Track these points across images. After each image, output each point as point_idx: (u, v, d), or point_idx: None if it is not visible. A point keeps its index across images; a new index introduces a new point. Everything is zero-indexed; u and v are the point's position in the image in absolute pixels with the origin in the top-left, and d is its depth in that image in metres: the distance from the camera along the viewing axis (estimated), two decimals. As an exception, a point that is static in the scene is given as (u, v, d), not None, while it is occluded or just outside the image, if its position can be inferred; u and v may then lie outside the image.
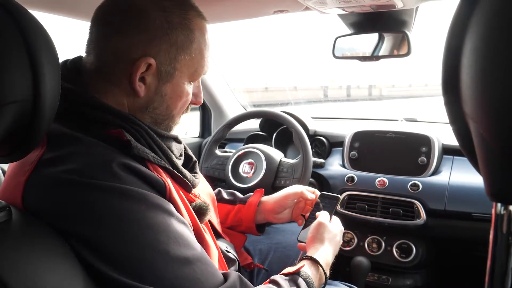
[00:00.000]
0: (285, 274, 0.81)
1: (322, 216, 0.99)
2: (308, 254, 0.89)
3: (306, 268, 0.84)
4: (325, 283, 0.87)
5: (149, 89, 0.75)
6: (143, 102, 0.75)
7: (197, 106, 2.18)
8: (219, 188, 1.21)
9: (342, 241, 1.00)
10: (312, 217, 1.05)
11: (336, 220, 1.02)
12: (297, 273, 0.81)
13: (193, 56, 0.76)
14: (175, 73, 0.75)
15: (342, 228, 1.02)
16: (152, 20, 0.71)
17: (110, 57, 0.73)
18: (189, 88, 0.80)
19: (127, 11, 0.72)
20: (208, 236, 0.81)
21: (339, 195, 1.10)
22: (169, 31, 0.72)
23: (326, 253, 0.90)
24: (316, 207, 1.08)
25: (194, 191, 0.84)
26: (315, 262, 0.86)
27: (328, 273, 0.88)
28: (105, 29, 0.74)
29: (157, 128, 0.78)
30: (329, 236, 0.94)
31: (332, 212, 1.04)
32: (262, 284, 0.78)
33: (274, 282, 0.77)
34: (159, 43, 0.72)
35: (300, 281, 0.79)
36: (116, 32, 0.72)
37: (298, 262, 0.87)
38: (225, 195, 1.18)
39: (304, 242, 0.99)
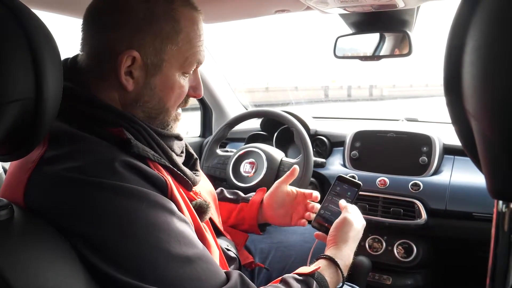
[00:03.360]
0: (299, 274, 0.78)
1: (349, 211, 0.94)
2: (328, 253, 0.86)
3: (323, 269, 0.81)
4: (342, 286, 0.84)
5: (138, 83, 0.74)
6: (134, 96, 0.74)
7: (199, 105, 2.21)
8: (222, 188, 1.21)
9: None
10: (331, 200, 1.00)
11: (359, 213, 0.97)
12: (311, 275, 0.78)
13: (180, 46, 0.74)
14: (162, 65, 0.73)
15: (364, 222, 0.96)
16: (135, 12, 0.71)
17: (98, 54, 0.73)
18: (183, 80, 0.78)
19: (112, 6, 0.72)
20: (209, 235, 0.81)
21: (360, 182, 1.03)
22: (153, 23, 0.71)
23: (348, 254, 0.87)
24: (334, 190, 1.03)
25: (195, 189, 0.83)
26: (334, 264, 0.83)
27: (346, 275, 0.84)
28: (93, 26, 0.74)
29: (153, 123, 0.77)
30: (353, 234, 0.90)
31: (353, 201, 0.99)
32: (272, 283, 0.76)
33: (285, 283, 0.75)
34: (143, 36, 0.71)
35: (314, 285, 0.76)
36: (102, 28, 0.73)
37: (316, 260, 0.85)
38: (227, 194, 1.18)
39: (321, 223, 0.97)
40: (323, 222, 0.99)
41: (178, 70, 0.76)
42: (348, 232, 0.90)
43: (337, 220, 0.92)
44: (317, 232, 0.98)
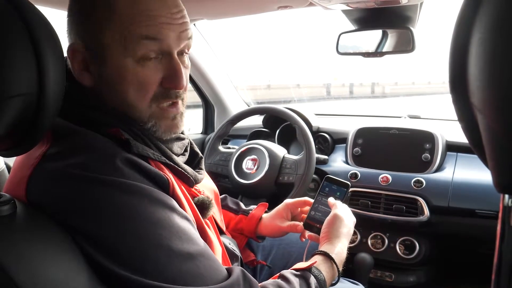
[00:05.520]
0: (296, 270, 0.79)
1: (338, 208, 0.95)
2: (322, 249, 0.87)
3: (319, 264, 0.82)
4: (337, 280, 0.85)
5: (94, 77, 0.70)
6: (95, 92, 0.71)
7: (201, 102, 2.21)
8: (226, 195, 1.20)
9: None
10: (321, 201, 1.01)
11: (349, 210, 0.98)
12: (308, 269, 0.79)
13: (117, 26, 0.66)
14: (104, 50, 0.68)
15: (355, 219, 0.98)
16: (78, 5, 0.71)
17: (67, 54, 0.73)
18: (141, 69, 0.68)
19: (70, 5, 0.72)
20: (211, 232, 0.81)
21: (348, 183, 1.04)
22: (90, 10, 0.69)
23: (342, 249, 0.88)
24: (323, 191, 1.03)
25: (197, 187, 0.83)
26: (329, 258, 0.84)
27: (341, 270, 0.85)
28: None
29: (130, 123, 0.71)
30: (345, 230, 0.91)
31: (343, 201, 1.00)
32: (270, 279, 0.77)
33: (284, 278, 0.76)
34: (85, 24, 0.70)
35: (311, 279, 0.77)
36: (68, 30, 0.73)
37: (311, 256, 0.86)
38: (229, 203, 1.17)
39: (312, 225, 0.97)
40: (314, 223, 0.99)
41: (125, 56, 0.67)
42: (340, 228, 0.91)
43: (328, 217, 0.94)
44: (310, 233, 0.99)
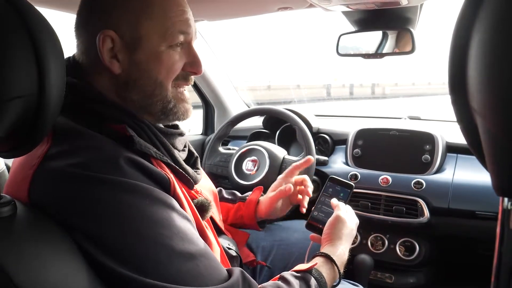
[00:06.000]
0: (296, 271, 0.79)
1: (341, 209, 0.95)
2: (324, 250, 0.87)
3: (320, 266, 0.82)
4: (338, 283, 0.85)
5: (124, 64, 0.74)
6: (124, 78, 0.74)
7: (201, 103, 2.21)
8: (220, 188, 1.21)
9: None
10: (324, 202, 1.01)
11: (351, 212, 0.98)
12: (309, 271, 0.79)
13: (156, 18, 0.73)
14: (142, 40, 0.73)
15: (357, 220, 0.98)
16: None
17: (85, 46, 0.75)
18: (172, 53, 0.76)
19: None
20: (210, 233, 0.81)
21: (352, 184, 1.05)
22: (123, 0, 0.72)
23: (343, 251, 0.88)
24: (326, 192, 1.04)
25: (196, 187, 0.84)
26: (330, 260, 0.84)
27: (342, 272, 0.85)
28: (79, 21, 0.76)
29: (153, 105, 0.76)
30: (347, 232, 0.92)
31: (346, 202, 1.00)
32: (270, 280, 0.77)
33: (284, 279, 0.76)
34: (116, 14, 0.72)
35: (312, 281, 0.77)
36: (84, 20, 0.75)
37: (312, 258, 0.86)
38: (225, 194, 1.18)
39: (315, 225, 0.98)
40: (317, 224, 1.00)
41: (161, 43, 0.74)
42: (342, 229, 0.91)
43: (330, 219, 0.94)
44: (312, 234, 0.99)
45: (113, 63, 0.73)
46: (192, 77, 0.82)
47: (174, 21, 0.74)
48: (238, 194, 1.19)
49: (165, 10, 0.74)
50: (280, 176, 1.15)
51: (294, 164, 1.15)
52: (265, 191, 1.58)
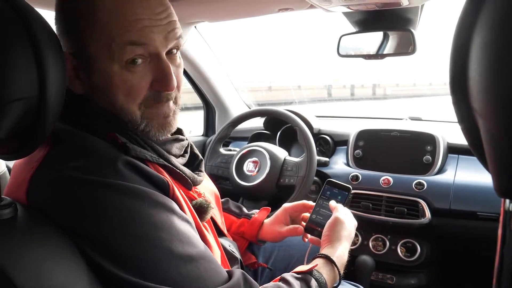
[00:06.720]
0: (297, 273, 0.79)
1: (340, 211, 0.96)
2: (323, 252, 0.87)
3: (320, 267, 0.82)
4: (339, 284, 0.85)
5: (84, 85, 0.71)
6: (87, 100, 0.71)
7: (202, 105, 2.21)
8: (228, 198, 1.20)
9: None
10: (322, 205, 1.01)
11: (350, 214, 0.98)
12: (309, 272, 0.79)
13: (101, 35, 0.65)
14: (90, 61, 0.68)
15: (356, 222, 0.98)
16: (62, 12, 0.70)
17: None
18: (128, 74, 0.67)
19: (56, 15, 0.72)
20: (210, 235, 0.80)
21: (350, 186, 1.04)
22: (73, 20, 0.68)
23: (343, 252, 0.88)
24: (324, 195, 1.04)
25: (197, 189, 0.83)
26: (330, 262, 0.84)
27: (342, 273, 0.85)
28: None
29: (124, 125, 0.71)
30: (346, 233, 0.92)
31: (344, 204, 1.00)
32: (271, 282, 0.77)
33: (285, 281, 0.76)
34: (70, 34, 0.69)
35: (313, 282, 0.77)
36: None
37: (312, 259, 0.86)
38: (231, 206, 1.17)
39: (313, 228, 0.97)
40: (315, 227, 1.00)
41: (112, 62, 0.66)
42: (341, 231, 0.91)
43: (329, 221, 0.94)
44: (311, 237, 0.99)
45: (74, 83, 0.70)
46: (172, 93, 0.72)
47: (120, 32, 0.65)
48: (245, 210, 1.17)
49: (110, 23, 0.65)
50: (285, 206, 1.12)
51: (303, 203, 1.10)
52: (265, 192, 1.58)
